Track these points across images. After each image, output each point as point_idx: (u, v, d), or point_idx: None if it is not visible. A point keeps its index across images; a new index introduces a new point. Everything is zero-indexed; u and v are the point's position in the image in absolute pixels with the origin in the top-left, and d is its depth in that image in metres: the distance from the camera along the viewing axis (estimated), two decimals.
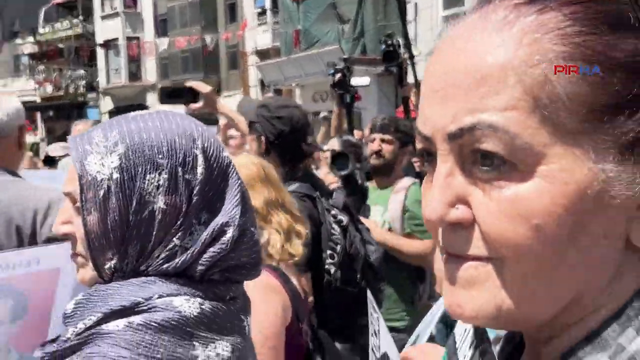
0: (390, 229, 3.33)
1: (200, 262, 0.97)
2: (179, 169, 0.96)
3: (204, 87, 3.04)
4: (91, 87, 32.50)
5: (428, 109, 0.53)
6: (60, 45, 33.60)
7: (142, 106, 22.02)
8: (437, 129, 0.52)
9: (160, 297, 0.93)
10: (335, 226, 2.52)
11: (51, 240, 1.94)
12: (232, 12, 26.97)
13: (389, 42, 7.66)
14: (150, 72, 30.57)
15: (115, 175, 0.94)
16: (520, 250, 0.49)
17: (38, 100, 32.87)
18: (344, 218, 2.56)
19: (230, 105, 3.55)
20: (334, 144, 4.22)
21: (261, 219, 1.89)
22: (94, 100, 32.25)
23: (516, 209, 0.49)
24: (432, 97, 0.53)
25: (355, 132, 6.01)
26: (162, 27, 30.12)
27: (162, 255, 0.96)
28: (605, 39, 0.48)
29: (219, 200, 1.00)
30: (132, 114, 1.03)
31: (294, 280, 1.95)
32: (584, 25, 0.48)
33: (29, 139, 23.31)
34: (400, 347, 1.88)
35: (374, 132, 3.51)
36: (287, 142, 2.59)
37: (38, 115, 32.53)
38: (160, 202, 0.95)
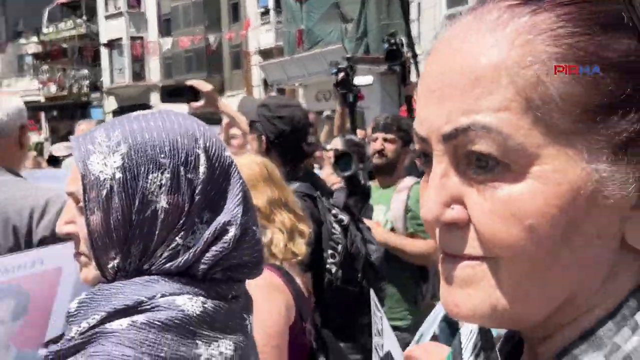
0: (392, 229, 3.33)
1: (202, 261, 0.97)
2: (182, 168, 0.96)
3: (204, 86, 3.04)
4: (95, 86, 32.57)
5: (424, 110, 0.53)
6: (64, 45, 33.65)
7: (146, 106, 22.02)
8: (433, 129, 0.52)
9: (163, 296, 0.94)
10: (336, 225, 2.51)
11: (46, 239, 1.95)
12: (235, 11, 26.99)
13: (392, 41, 7.67)
14: (154, 71, 30.62)
15: (118, 175, 0.94)
16: (514, 250, 0.49)
17: (42, 100, 32.94)
18: (344, 217, 2.56)
19: (233, 104, 3.56)
20: (337, 143, 4.22)
21: (264, 218, 1.90)
22: (98, 100, 32.32)
23: (509, 209, 0.49)
24: (428, 97, 0.53)
25: (358, 131, 6.00)
26: (166, 26, 30.17)
27: (165, 255, 0.97)
28: (598, 39, 0.48)
29: (221, 200, 1.00)
30: (135, 113, 1.04)
31: (298, 280, 1.95)
32: (577, 26, 0.48)
33: (33, 138, 23.37)
34: (403, 346, 1.88)
35: (377, 131, 3.50)
36: (287, 142, 2.59)
37: (42, 115, 32.62)
38: (162, 202, 0.95)
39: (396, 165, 3.46)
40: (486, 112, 0.49)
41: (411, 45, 8.79)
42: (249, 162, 2.00)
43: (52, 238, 1.94)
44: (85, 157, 0.96)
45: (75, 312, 0.96)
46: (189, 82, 3.07)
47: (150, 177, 0.95)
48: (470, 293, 0.52)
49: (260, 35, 23.86)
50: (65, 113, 31.75)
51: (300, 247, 1.96)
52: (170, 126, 0.99)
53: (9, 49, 34.74)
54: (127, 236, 0.95)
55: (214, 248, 0.98)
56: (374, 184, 3.57)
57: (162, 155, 0.96)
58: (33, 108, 26.45)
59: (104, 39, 31.34)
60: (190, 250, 0.97)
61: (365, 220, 2.91)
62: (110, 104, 30.67)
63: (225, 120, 3.18)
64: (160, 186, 0.95)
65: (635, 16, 0.48)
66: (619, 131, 0.48)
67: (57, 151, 6.00)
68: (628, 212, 0.50)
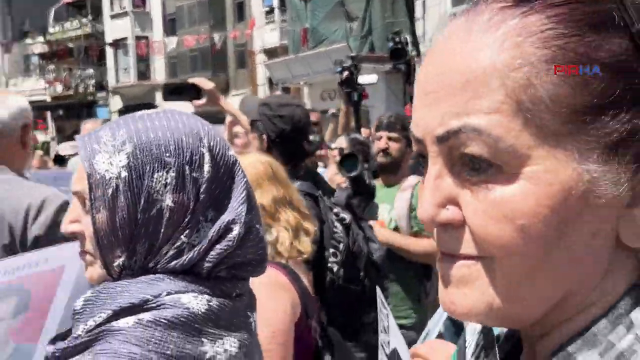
0: (396, 228, 3.33)
1: (207, 259, 0.98)
2: (186, 167, 0.97)
3: (206, 84, 3.04)
4: (100, 86, 32.64)
5: (420, 111, 0.54)
6: (70, 45, 33.74)
7: (151, 105, 22.08)
8: (427, 131, 0.53)
9: (168, 294, 0.94)
10: (337, 224, 2.51)
11: (40, 238, 1.95)
12: (240, 10, 27.00)
13: (397, 39, 7.68)
14: (159, 71, 30.66)
15: (124, 174, 0.95)
16: (507, 250, 0.50)
17: (48, 99, 33.04)
18: (346, 216, 2.56)
19: (238, 104, 3.55)
20: (342, 142, 4.22)
21: (269, 216, 1.90)
22: (104, 100, 32.39)
23: (502, 210, 0.49)
24: (423, 99, 0.53)
25: (363, 130, 6.01)
26: (171, 26, 30.21)
27: (170, 253, 0.97)
28: (588, 40, 0.48)
29: (226, 198, 1.01)
30: (140, 113, 1.04)
31: (303, 278, 1.95)
32: (567, 28, 0.48)
33: (40, 137, 23.43)
34: (408, 344, 1.88)
35: (381, 130, 3.50)
36: (288, 141, 2.59)
37: (48, 114, 32.71)
38: (168, 200, 0.96)
39: (400, 163, 3.46)
40: (477, 115, 0.49)
41: (416, 43, 8.80)
42: (254, 161, 2.00)
43: (46, 237, 1.94)
44: (91, 156, 0.97)
45: (81, 310, 0.97)
46: (190, 80, 3.08)
47: (155, 176, 0.96)
48: (466, 292, 0.52)
49: (265, 34, 23.86)
50: (71, 112, 31.84)
51: (306, 245, 1.97)
52: (175, 125, 1.00)
53: (15, 49, 34.84)
54: (132, 234, 0.96)
55: (218, 246, 0.98)
56: (378, 183, 3.57)
57: (167, 154, 0.97)
58: (39, 108, 26.55)
59: (109, 38, 31.40)
60: (195, 249, 0.98)
61: (371, 222, 2.91)
62: (116, 103, 30.74)
63: (228, 118, 3.18)
64: (166, 185, 0.96)
65: (627, 15, 0.48)
66: (609, 132, 0.48)
67: (63, 150, 6.04)
68: (621, 211, 0.50)
